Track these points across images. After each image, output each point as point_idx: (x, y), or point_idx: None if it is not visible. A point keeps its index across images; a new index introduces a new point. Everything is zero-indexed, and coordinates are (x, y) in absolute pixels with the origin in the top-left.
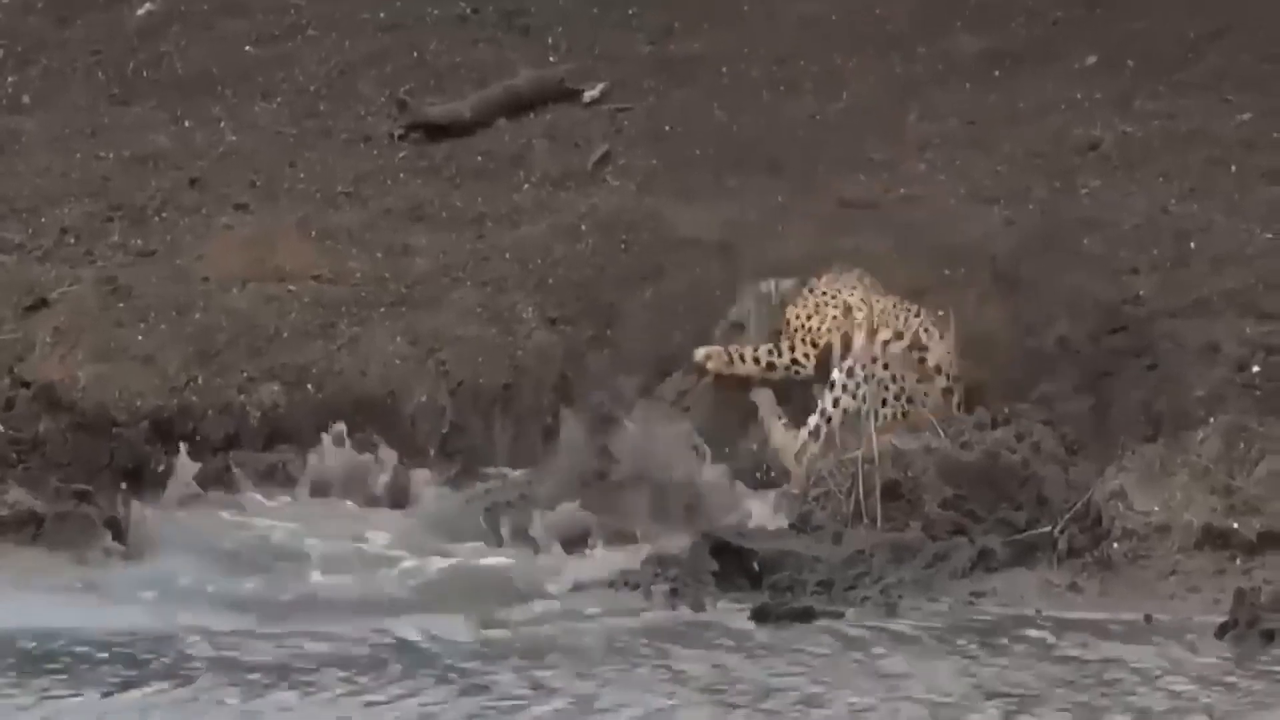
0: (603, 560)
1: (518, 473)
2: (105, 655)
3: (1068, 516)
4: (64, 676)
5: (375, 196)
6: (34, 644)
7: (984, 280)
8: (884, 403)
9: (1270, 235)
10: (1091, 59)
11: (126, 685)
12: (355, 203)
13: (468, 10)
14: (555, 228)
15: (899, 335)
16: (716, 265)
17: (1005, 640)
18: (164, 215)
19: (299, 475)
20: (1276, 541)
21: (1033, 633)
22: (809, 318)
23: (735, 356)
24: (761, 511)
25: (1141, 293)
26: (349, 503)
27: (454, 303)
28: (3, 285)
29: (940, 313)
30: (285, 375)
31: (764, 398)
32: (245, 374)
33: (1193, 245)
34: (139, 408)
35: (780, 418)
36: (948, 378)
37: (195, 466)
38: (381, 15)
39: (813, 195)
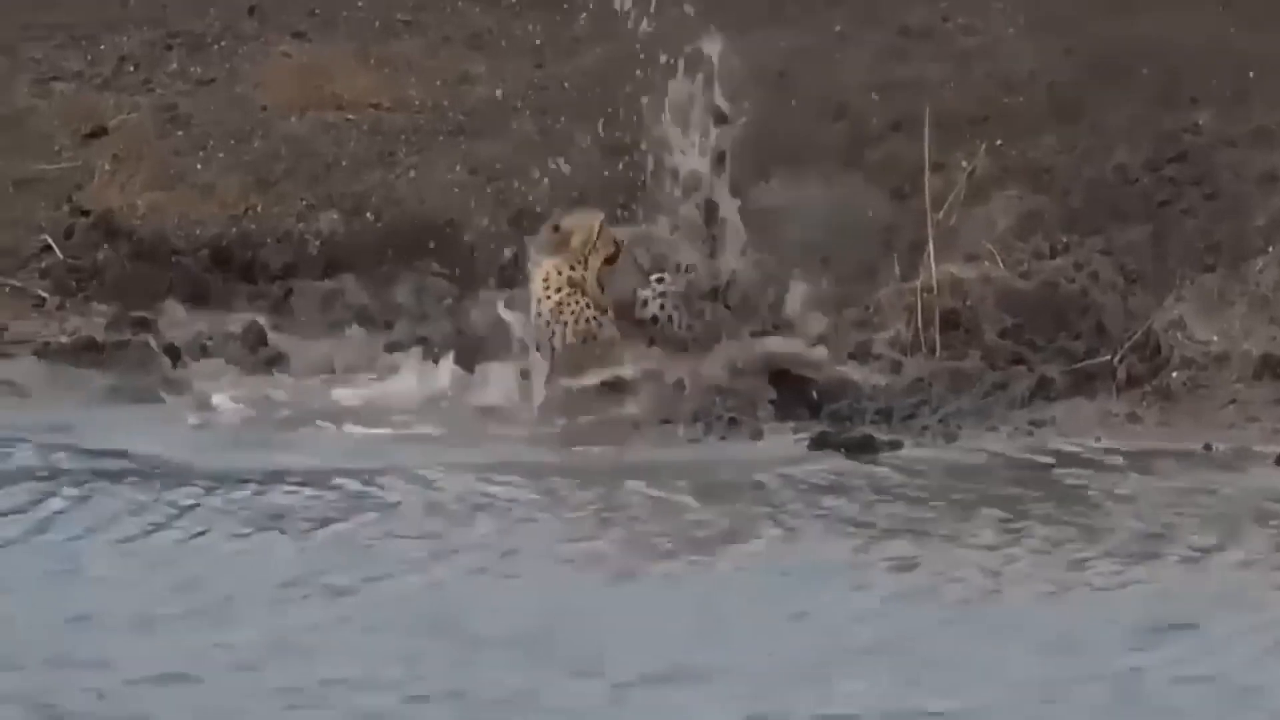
0: None
1: None
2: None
3: (1127, 346)
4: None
5: (434, 25)
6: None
7: (1042, 108)
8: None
9: None
10: None
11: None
12: (414, 31)
13: None
14: (613, 57)
15: None
16: (774, 94)
17: None
18: (223, 43)
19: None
20: None
21: None
22: None
23: None
24: None
25: (1200, 121)
26: None
27: (513, 132)
28: (62, 113)
29: None
30: (344, 204)
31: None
32: (304, 202)
33: (1251, 75)
34: (198, 236)
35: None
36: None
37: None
38: None
39: (871, 23)
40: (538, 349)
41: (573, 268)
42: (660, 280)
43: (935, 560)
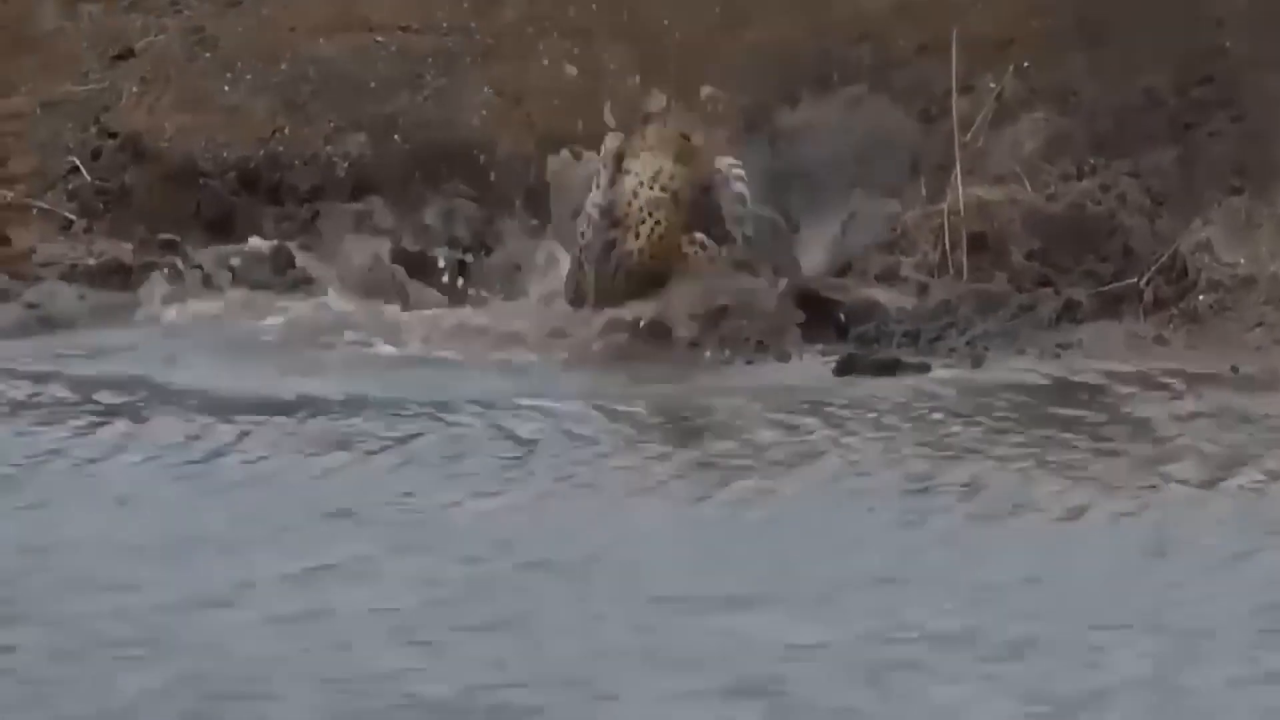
0: None
1: None
2: None
3: (1154, 268)
4: None
5: None
6: None
7: (1070, 30)
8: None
9: None
10: None
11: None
12: None
13: None
14: None
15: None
16: (803, 17)
17: None
18: None
19: (384, 225)
20: None
21: None
22: None
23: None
24: None
25: (1228, 44)
26: None
27: (541, 53)
28: (89, 35)
29: None
30: (372, 126)
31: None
32: (332, 124)
33: None
34: (225, 158)
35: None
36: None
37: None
38: None
39: None
40: (602, 237)
41: (682, 181)
42: (704, 248)
43: (991, 483)
